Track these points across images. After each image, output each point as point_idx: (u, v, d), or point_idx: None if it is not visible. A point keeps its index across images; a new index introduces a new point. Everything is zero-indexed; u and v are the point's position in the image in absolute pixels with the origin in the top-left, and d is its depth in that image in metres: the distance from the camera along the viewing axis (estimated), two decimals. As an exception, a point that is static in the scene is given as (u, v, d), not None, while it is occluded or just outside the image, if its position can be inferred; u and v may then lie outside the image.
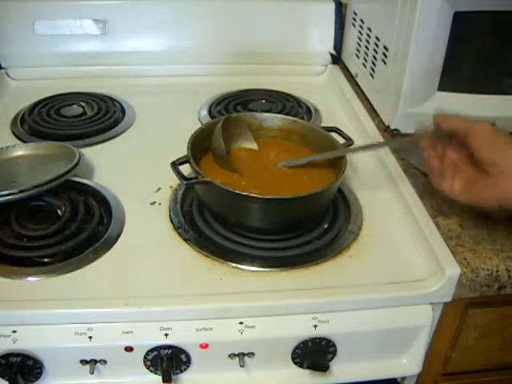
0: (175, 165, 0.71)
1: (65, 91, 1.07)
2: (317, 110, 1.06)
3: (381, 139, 0.93)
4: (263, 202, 0.69)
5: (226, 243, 0.71)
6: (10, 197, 0.72)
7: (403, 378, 0.79)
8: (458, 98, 0.91)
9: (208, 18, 1.14)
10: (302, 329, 0.67)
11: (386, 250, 0.73)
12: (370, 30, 1.06)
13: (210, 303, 0.64)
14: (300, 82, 1.17)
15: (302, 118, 0.97)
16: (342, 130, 0.83)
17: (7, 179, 0.78)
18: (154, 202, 0.79)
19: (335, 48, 1.20)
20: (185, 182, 0.70)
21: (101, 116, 1.00)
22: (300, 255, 0.71)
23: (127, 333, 0.64)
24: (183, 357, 0.66)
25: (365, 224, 0.77)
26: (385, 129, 0.96)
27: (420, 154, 0.90)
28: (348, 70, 1.19)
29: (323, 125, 0.79)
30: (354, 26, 1.16)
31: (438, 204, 0.79)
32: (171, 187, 0.82)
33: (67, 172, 0.76)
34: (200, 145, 0.78)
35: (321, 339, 0.67)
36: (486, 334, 0.79)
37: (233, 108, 1.03)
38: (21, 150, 0.85)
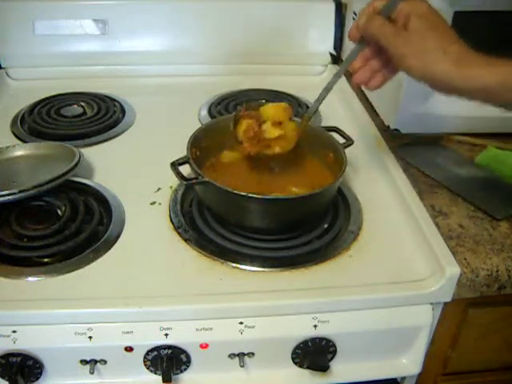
0: (175, 165, 0.71)
1: (65, 91, 1.07)
2: (317, 110, 1.05)
3: (381, 139, 0.93)
4: (263, 202, 0.69)
5: (225, 243, 0.71)
6: (10, 197, 0.72)
7: (403, 378, 0.79)
8: (458, 98, 0.91)
9: (208, 18, 1.14)
10: (302, 329, 0.67)
11: (385, 250, 0.73)
12: (370, 29, 1.05)
13: (210, 303, 0.64)
14: (300, 81, 1.17)
15: (302, 118, 0.97)
16: (342, 129, 0.83)
17: (7, 179, 0.78)
18: (154, 202, 0.79)
19: (335, 48, 1.20)
20: (184, 183, 0.70)
21: (101, 116, 1.00)
22: (300, 255, 0.71)
23: (127, 333, 0.64)
24: (183, 357, 0.66)
25: (365, 224, 0.77)
26: (385, 129, 0.96)
27: (420, 154, 0.91)
28: (348, 70, 1.19)
29: (323, 125, 0.78)
30: (354, 25, 1.15)
31: (438, 204, 0.79)
32: (171, 187, 0.82)
33: (67, 172, 0.76)
34: (200, 145, 0.78)
35: (321, 339, 0.67)
36: (486, 333, 0.79)
37: (233, 108, 1.03)
38: (21, 150, 0.85)
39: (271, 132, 0.75)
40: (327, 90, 0.74)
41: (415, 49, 0.61)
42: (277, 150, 0.75)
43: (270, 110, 0.76)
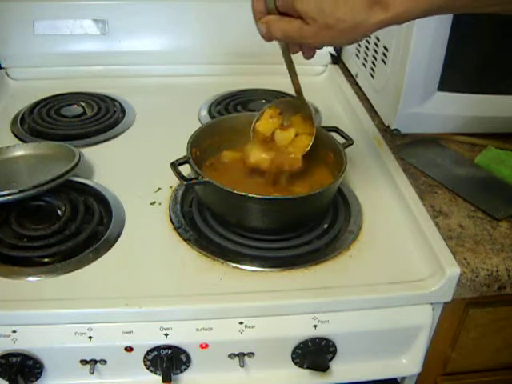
0: (175, 165, 0.71)
1: (65, 91, 1.07)
2: (317, 110, 1.06)
3: (381, 139, 0.93)
4: (263, 202, 0.69)
5: (226, 243, 0.71)
6: (9, 197, 0.72)
7: (403, 378, 0.79)
8: (458, 98, 0.91)
9: (208, 18, 1.14)
10: (302, 329, 0.67)
11: (385, 250, 0.73)
12: (370, 29, 1.05)
13: (210, 303, 0.64)
14: (300, 81, 1.17)
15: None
16: (342, 129, 0.83)
17: (7, 179, 0.78)
18: (154, 202, 0.79)
19: (335, 48, 1.20)
20: (184, 183, 0.70)
21: (101, 116, 1.00)
22: (300, 255, 0.71)
23: (127, 333, 0.64)
24: (183, 357, 0.66)
25: (365, 224, 0.77)
26: (385, 129, 0.96)
27: (420, 154, 0.91)
28: (348, 70, 1.19)
29: (323, 125, 0.78)
30: (354, 25, 1.15)
31: (438, 204, 0.79)
32: (171, 187, 0.82)
33: (67, 172, 0.76)
34: (200, 145, 0.78)
35: (321, 339, 0.67)
36: (486, 333, 0.79)
37: (233, 108, 1.03)
38: (21, 150, 0.85)
39: (285, 137, 0.75)
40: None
41: (332, 30, 0.54)
42: (305, 149, 0.75)
43: (262, 127, 0.77)
